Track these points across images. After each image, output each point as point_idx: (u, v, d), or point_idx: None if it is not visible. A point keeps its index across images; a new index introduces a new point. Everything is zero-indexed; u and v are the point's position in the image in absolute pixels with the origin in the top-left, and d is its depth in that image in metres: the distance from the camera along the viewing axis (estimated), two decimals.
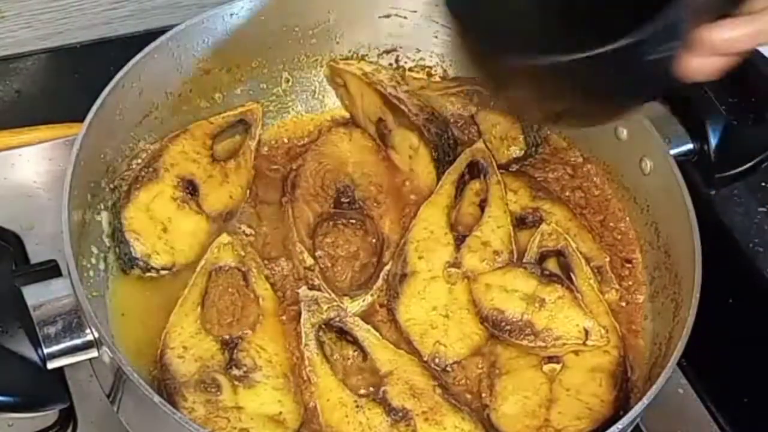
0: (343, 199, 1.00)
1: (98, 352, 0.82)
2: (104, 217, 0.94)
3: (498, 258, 0.94)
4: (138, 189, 0.95)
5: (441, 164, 1.00)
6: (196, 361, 0.86)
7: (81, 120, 0.90)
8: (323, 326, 0.90)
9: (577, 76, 0.74)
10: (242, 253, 0.94)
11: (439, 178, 0.99)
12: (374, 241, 0.97)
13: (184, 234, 0.95)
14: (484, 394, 0.89)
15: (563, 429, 0.85)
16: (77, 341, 0.81)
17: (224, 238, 0.95)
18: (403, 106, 1.01)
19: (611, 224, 1.00)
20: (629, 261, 0.98)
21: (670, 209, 0.94)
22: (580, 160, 1.05)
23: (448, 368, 0.89)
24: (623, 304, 0.96)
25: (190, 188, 0.97)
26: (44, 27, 1.22)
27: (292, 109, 1.09)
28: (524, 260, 0.95)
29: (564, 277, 0.92)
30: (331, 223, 0.97)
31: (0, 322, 0.83)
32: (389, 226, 0.98)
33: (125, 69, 0.95)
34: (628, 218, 1.00)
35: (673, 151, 0.97)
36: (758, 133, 0.99)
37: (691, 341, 0.83)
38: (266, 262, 0.95)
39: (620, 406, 0.86)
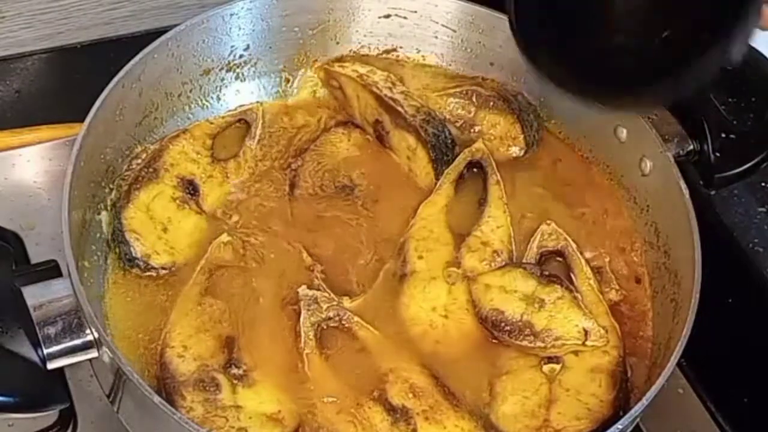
0: (342, 199, 1.00)
1: (98, 352, 0.82)
2: (104, 217, 0.95)
3: (497, 258, 0.94)
4: (138, 189, 0.95)
5: (439, 164, 1.00)
6: (195, 360, 0.86)
7: (81, 120, 0.90)
8: (323, 325, 0.90)
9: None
10: (242, 253, 0.95)
11: (437, 178, 1.00)
12: (374, 240, 0.97)
13: (184, 234, 0.95)
14: (484, 394, 0.89)
15: (563, 429, 0.85)
16: (77, 341, 0.81)
17: (224, 237, 0.95)
18: (399, 107, 1.01)
19: (611, 224, 1.00)
20: (632, 261, 0.98)
21: (670, 209, 0.94)
22: (580, 160, 1.05)
23: (448, 368, 0.89)
24: (625, 303, 0.96)
25: (190, 188, 0.97)
26: (44, 27, 1.22)
27: (292, 108, 1.09)
28: (524, 260, 0.95)
29: (564, 277, 0.93)
30: (330, 223, 0.97)
31: (0, 322, 0.83)
32: (388, 225, 0.98)
33: (125, 69, 0.95)
34: (628, 218, 1.00)
35: (673, 151, 0.97)
36: (758, 133, 0.99)
37: (691, 341, 0.83)
38: (266, 261, 0.95)
39: (620, 406, 0.86)
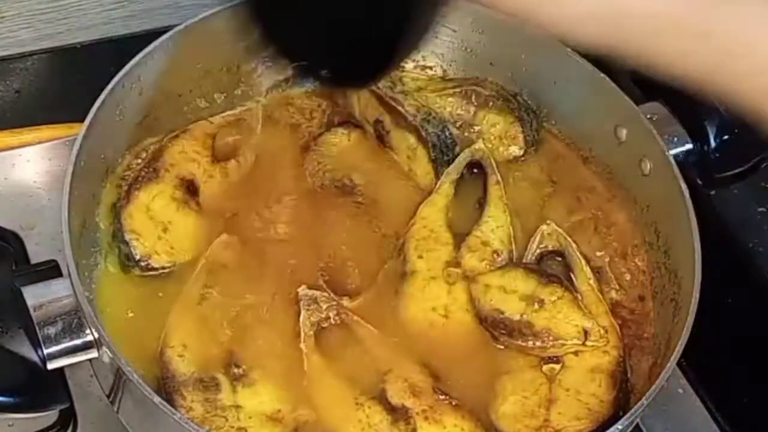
0: (342, 198, 1.00)
1: (98, 352, 0.82)
2: (104, 218, 0.95)
3: (497, 258, 0.94)
4: (138, 189, 0.95)
5: (439, 164, 1.00)
6: (195, 359, 0.86)
7: (81, 120, 0.90)
8: (323, 325, 0.90)
9: None
10: (242, 252, 0.95)
11: (437, 178, 1.00)
12: (373, 240, 0.97)
13: (185, 234, 0.95)
14: (483, 394, 0.89)
15: (563, 429, 0.85)
16: (77, 342, 0.81)
17: (224, 237, 0.95)
18: (399, 107, 1.01)
19: (611, 224, 1.00)
20: (632, 261, 0.98)
21: (670, 209, 0.94)
22: (580, 160, 1.05)
23: (448, 368, 0.90)
24: (625, 304, 0.96)
25: (191, 188, 0.97)
26: (44, 27, 1.22)
27: (292, 108, 1.09)
28: (524, 260, 0.95)
29: (564, 277, 0.93)
30: (329, 222, 0.97)
31: (0, 322, 0.83)
32: (388, 225, 0.98)
33: (125, 69, 0.94)
34: (628, 219, 1.00)
35: (673, 151, 0.97)
36: (758, 133, 0.99)
37: (691, 341, 0.83)
38: (265, 261, 0.95)
39: (620, 406, 0.86)
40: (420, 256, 0.94)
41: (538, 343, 0.88)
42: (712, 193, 1.02)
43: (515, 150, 1.04)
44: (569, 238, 0.96)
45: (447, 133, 1.02)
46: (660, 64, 0.71)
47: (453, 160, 1.01)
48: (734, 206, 1.04)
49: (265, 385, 0.86)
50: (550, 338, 0.88)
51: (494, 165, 1.01)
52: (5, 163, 1.12)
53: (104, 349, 0.81)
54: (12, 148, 1.13)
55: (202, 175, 0.98)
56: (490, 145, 1.03)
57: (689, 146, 0.99)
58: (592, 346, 0.88)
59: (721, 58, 0.70)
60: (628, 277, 0.97)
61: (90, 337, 0.81)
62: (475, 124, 1.05)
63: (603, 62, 0.98)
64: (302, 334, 0.89)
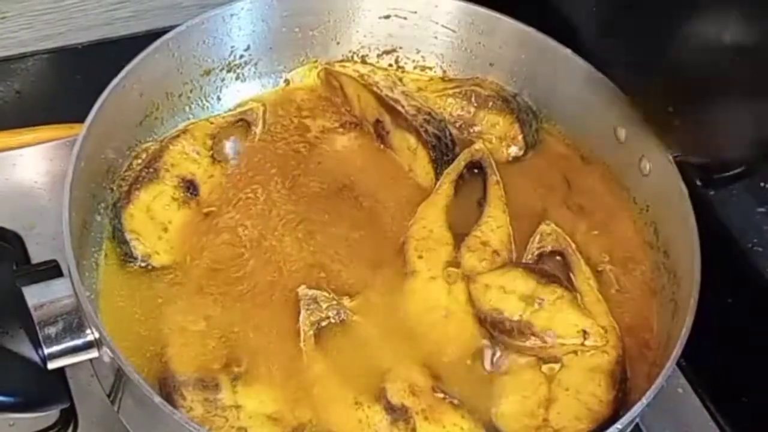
0: (342, 199, 1.00)
1: (99, 352, 0.82)
2: (104, 217, 0.95)
3: (497, 258, 0.94)
4: (138, 189, 0.95)
5: (439, 164, 1.00)
6: (196, 359, 0.86)
7: (82, 120, 0.91)
8: (322, 324, 0.90)
9: None
10: (242, 252, 0.95)
11: (437, 178, 1.00)
12: (373, 240, 0.97)
13: (185, 234, 0.95)
14: (483, 394, 0.89)
15: (562, 429, 0.85)
16: (78, 341, 0.82)
17: (224, 237, 0.95)
18: (399, 107, 1.02)
19: (611, 224, 1.00)
20: (631, 261, 0.98)
21: (670, 209, 0.94)
22: (580, 160, 1.05)
23: (448, 367, 0.90)
24: (625, 302, 0.96)
25: (191, 188, 0.97)
26: (45, 28, 1.22)
27: (292, 108, 1.09)
28: (523, 260, 0.95)
29: (563, 277, 0.93)
30: (330, 222, 0.98)
31: (1, 322, 0.83)
32: (388, 225, 0.98)
33: (126, 70, 0.95)
34: (627, 218, 1.00)
35: (672, 152, 0.97)
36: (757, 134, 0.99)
37: (690, 341, 0.83)
38: (266, 260, 0.95)
39: (619, 406, 0.87)
40: (420, 256, 0.94)
41: (537, 343, 0.88)
42: (712, 193, 1.02)
43: (515, 150, 1.04)
44: (568, 238, 0.96)
45: (447, 134, 1.02)
46: None
47: (453, 160, 1.01)
48: (734, 206, 1.03)
49: (264, 384, 0.86)
50: (550, 338, 0.88)
51: (494, 165, 1.01)
52: (6, 164, 1.12)
53: (105, 348, 0.81)
54: (13, 148, 1.13)
55: (203, 175, 0.99)
56: (490, 145, 1.03)
57: None
58: (592, 346, 0.89)
59: None
60: (627, 277, 0.97)
61: (90, 337, 0.82)
62: (475, 124, 1.05)
63: (602, 62, 0.98)
64: (302, 334, 0.89)
